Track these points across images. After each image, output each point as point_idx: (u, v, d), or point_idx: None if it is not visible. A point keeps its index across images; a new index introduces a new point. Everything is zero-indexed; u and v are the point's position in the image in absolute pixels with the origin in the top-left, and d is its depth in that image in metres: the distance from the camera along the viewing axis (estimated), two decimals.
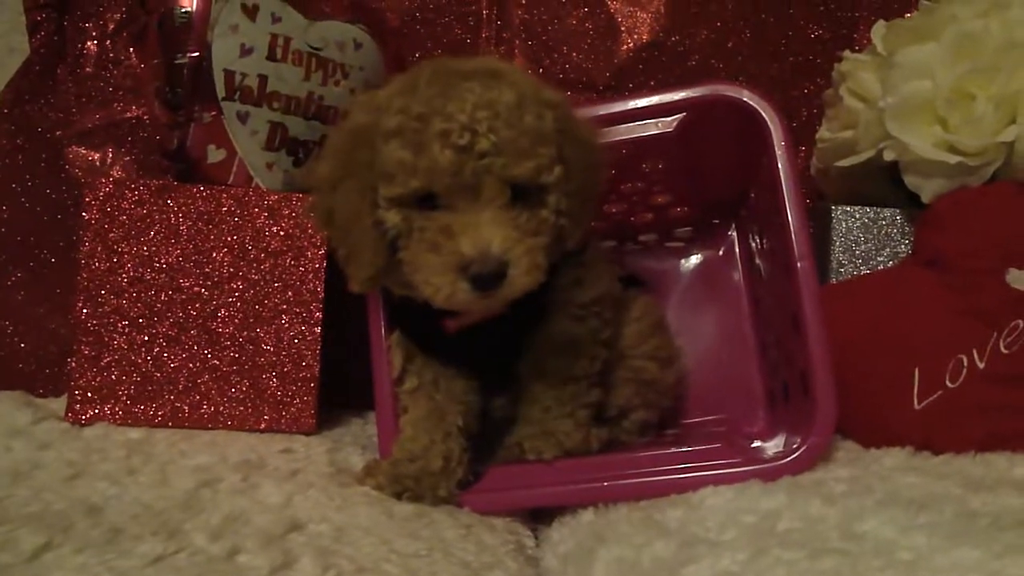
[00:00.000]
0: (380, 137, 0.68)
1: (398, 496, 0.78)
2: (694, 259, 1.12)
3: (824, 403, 0.80)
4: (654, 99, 0.88)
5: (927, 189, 0.87)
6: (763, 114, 0.86)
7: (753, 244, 1.05)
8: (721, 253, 1.11)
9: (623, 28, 1.19)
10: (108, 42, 1.08)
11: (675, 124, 0.89)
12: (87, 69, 1.08)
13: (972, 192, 0.85)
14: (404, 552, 0.66)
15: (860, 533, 0.64)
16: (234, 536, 0.61)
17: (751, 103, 0.86)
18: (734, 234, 1.09)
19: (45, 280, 1.06)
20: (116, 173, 1.08)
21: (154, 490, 0.69)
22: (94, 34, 1.08)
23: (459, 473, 0.82)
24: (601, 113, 0.88)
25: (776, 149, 0.85)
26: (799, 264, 0.82)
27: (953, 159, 0.83)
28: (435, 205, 0.68)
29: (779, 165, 0.84)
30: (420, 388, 0.84)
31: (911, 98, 0.86)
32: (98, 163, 1.07)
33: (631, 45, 1.19)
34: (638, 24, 1.18)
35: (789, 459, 0.78)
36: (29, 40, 1.07)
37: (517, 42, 1.18)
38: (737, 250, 1.09)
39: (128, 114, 1.08)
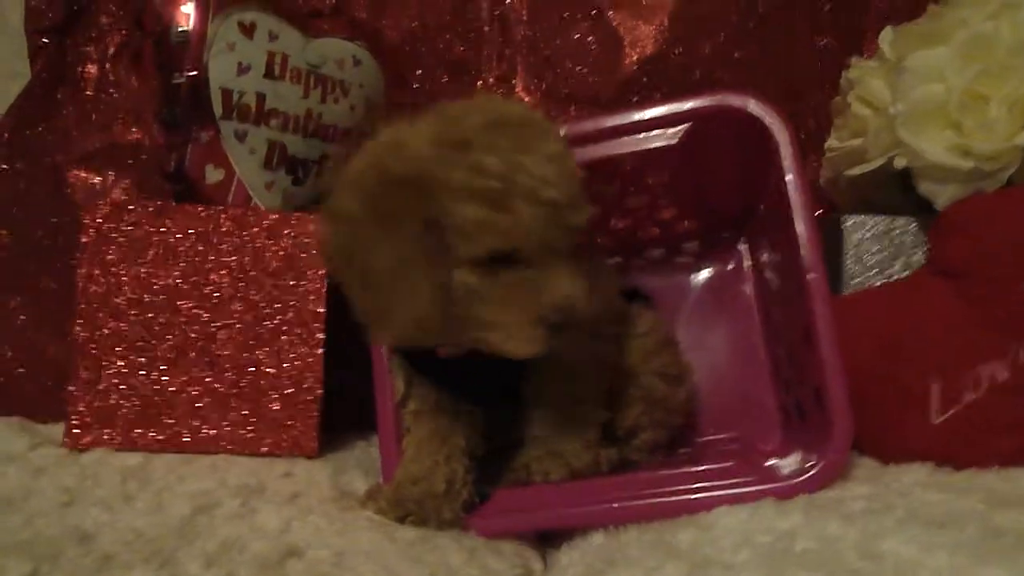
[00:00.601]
0: (447, 195, 0.65)
1: (401, 520, 0.76)
2: (704, 274, 1.09)
3: (840, 420, 0.77)
4: (658, 110, 0.87)
5: (941, 196, 0.85)
6: (769, 123, 0.84)
7: (763, 258, 1.03)
8: (730, 268, 1.08)
9: (626, 42, 1.17)
10: (108, 65, 1.07)
11: (680, 135, 0.87)
12: (88, 92, 1.08)
13: (988, 197, 0.83)
14: None
15: (880, 553, 0.62)
16: (229, 563, 0.59)
17: (757, 112, 0.84)
18: (744, 248, 1.07)
19: (45, 305, 1.05)
20: (116, 196, 1.07)
21: (149, 516, 0.68)
22: (95, 57, 1.08)
23: (464, 495, 0.79)
24: (605, 126, 0.87)
25: (783, 158, 0.83)
26: (809, 276, 0.80)
27: (967, 164, 0.81)
28: (511, 261, 0.66)
29: (786, 175, 0.83)
30: (423, 410, 0.82)
31: (922, 103, 0.84)
32: (98, 187, 1.07)
33: (635, 58, 1.17)
34: (641, 37, 1.16)
35: (806, 477, 0.76)
36: (31, 65, 1.07)
37: (519, 58, 1.17)
38: (746, 264, 1.07)
39: (129, 137, 1.08)
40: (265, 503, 0.74)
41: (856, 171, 0.92)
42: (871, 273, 0.93)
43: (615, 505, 0.77)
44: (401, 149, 0.68)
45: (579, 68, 1.16)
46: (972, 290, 0.81)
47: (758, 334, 1.05)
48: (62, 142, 1.08)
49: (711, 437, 1.03)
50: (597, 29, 1.17)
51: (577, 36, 1.17)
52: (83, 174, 1.07)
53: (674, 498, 0.76)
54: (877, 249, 0.92)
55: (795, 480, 0.75)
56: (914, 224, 0.92)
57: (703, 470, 0.81)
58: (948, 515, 0.68)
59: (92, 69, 1.07)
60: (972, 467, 0.78)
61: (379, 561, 0.65)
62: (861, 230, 0.93)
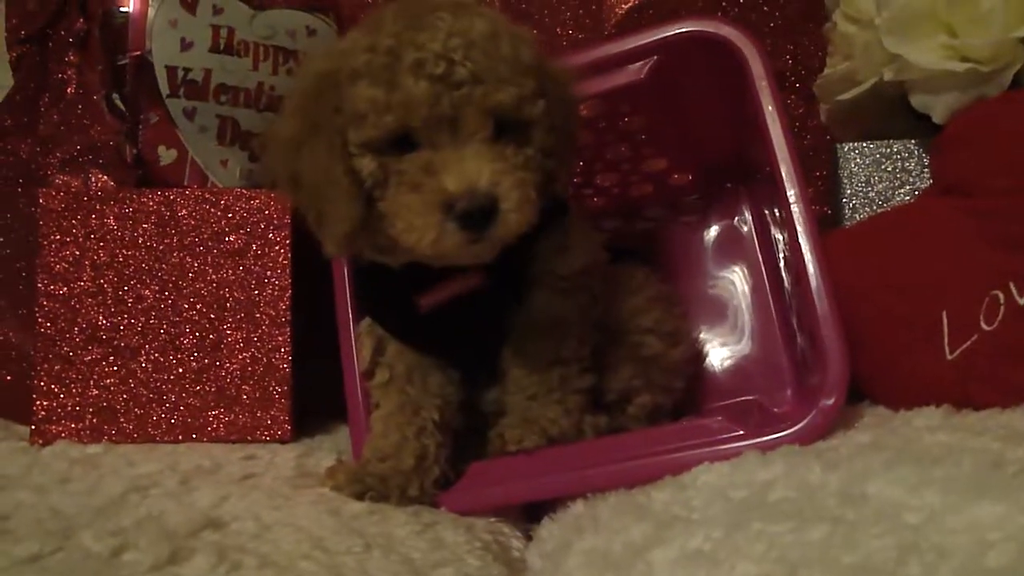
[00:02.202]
0: (346, 79, 0.63)
1: (359, 496, 0.71)
2: (712, 232, 1.02)
3: (834, 359, 0.69)
4: (621, 44, 0.81)
5: (939, 108, 0.75)
6: (741, 47, 0.77)
7: (765, 209, 0.95)
8: (736, 223, 1.00)
9: None
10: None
11: (647, 69, 0.80)
12: (68, 97, 1.08)
13: (991, 103, 0.73)
14: (334, 549, 0.59)
15: (862, 497, 0.54)
16: (131, 536, 0.55)
17: (725, 35, 0.77)
18: (747, 200, 0.99)
19: (30, 309, 1.05)
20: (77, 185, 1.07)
21: (76, 497, 0.65)
22: (75, 61, 1.08)
23: (435, 471, 0.75)
24: None
25: (758, 88, 0.76)
26: (791, 203, 0.72)
27: (961, 67, 0.72)
28: (413, 145, 0.62)
29: (761, 100, 0.75)
30: (392, 381, 0.77)
31: (909, 7, 0.74)
32: (81, 188, 1.06)
33: (619, 10, 1.10)
34: None
35: (799, 427, 0.68)
36: (13, 75, 1.08)
37: None
38: (749, 217, 0.98)
39: (107, 136, 1.07)
40: (208, 483, 0.70)
41: (848, 95, 0.83)
42: (874, 205, 0.83)
43: (588, 471, 0.71)
44: (329, 50, 0.67)
45: (559, 28, 1.10)
46: (980, 206, 0.71)
47: (767, 291, 0.97)
48: (44, 148, 1.08)
49: (725, 402, 0.95)
50: None
51: None
52: (65, 178, 1.07)
53: (653, 459, 0.69)
54: (878, 178, 0.83)
55: (788, 431, 0.68)
56: (918, 146, 0.82)
57: (683, 426, 0.74)
58: (946, 451, 0.59)
59: (72, 74, 1.08)
60: (993, 406, 0.68)
61: (308, 533, 0.61)
62: (859, 158, 0.84)
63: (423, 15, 0.63)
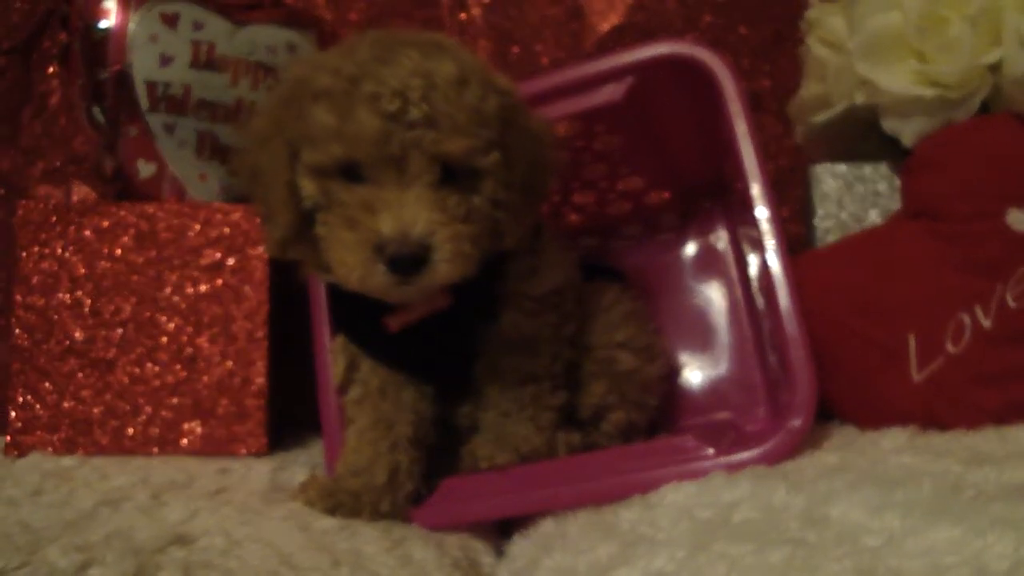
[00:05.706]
0: (308, 96, 0.63)
1: (331, 512, 0.71)
2: (688, 250, 1.02)
3: (801, 380, 0.70)
4: (597, 65, 0.81)
5: (907, 131, 0.76)
6: (715, 69, 0.78)
7: (739, 227, 0.96)
8: (712, 241, 1.01)
9: (588, 12, 1.13)
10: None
11: (623, 90, 0.81)
12: (51, 108, 1.08)
13: (960, 127, 0.74)
14: (301, 566, 0.59)
15: (823, 519, 0.55)
16: (98, 551, 0.55)
17: (700, 57, 0.78)
18: (723, 218, 1.00)
19: (7, 321, 1.04)
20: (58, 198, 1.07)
21: (47, 511, 0.65)
22: (57, 73, 1.08)
23: (408, 487, 0.75)
24: (541, 88, 0.82)
25: (731, 110, 0.77)
26: (762, 224, 0.73)
27: (930, 92, 0.73)
28: (358, 177, 0.62)
29: (733, 120, 0.76)
30: (365, 397, 0.77)
31: (879, 33, 0.76)
32: (63, 199, 1.07)
33: (599, 29, 1.12)
34: (604, 7, 1.11)
35: (765, 447, 0.68)
36: None
37: (481, 41, 1.13)
38: (724, 236, 0.99)
39: (89, 148, 1.07)
40: (180, 497, 0.70)
41: (821, 118, 0.84)
42: (846, 227, 0.84)
43: (558, 489, 0.71)
44: (309, 60, 0.69)
45: (540, 45, 1.11)
46: (947, 230, 0.73)
47: (743, 309, 0.98)
48: (27, 159, 1.08)
49: (697, 420, 0.96)
50: (559, 2, 1.13)
51: (539, 13, 1.12)
52: (48, 189, 1.08)
53: (622, 478, 0.70)
54: (850, 200, 0.84)
55: (754, 451, 0.68)
56: (890, 169, 0.83)
57: (654, 446, 0.74)
58: (908, 474, 0.60)
59: (55, 85, 1.08)
60: (960, 427, 0.69)
61: (276, 549, 0.61)
62: (830, 180, 0.85)
63: (394, 48, 0.63)
